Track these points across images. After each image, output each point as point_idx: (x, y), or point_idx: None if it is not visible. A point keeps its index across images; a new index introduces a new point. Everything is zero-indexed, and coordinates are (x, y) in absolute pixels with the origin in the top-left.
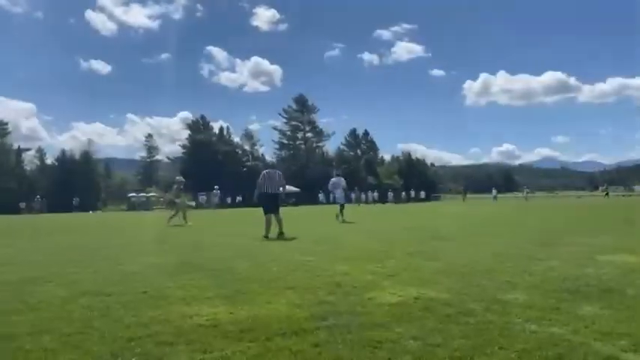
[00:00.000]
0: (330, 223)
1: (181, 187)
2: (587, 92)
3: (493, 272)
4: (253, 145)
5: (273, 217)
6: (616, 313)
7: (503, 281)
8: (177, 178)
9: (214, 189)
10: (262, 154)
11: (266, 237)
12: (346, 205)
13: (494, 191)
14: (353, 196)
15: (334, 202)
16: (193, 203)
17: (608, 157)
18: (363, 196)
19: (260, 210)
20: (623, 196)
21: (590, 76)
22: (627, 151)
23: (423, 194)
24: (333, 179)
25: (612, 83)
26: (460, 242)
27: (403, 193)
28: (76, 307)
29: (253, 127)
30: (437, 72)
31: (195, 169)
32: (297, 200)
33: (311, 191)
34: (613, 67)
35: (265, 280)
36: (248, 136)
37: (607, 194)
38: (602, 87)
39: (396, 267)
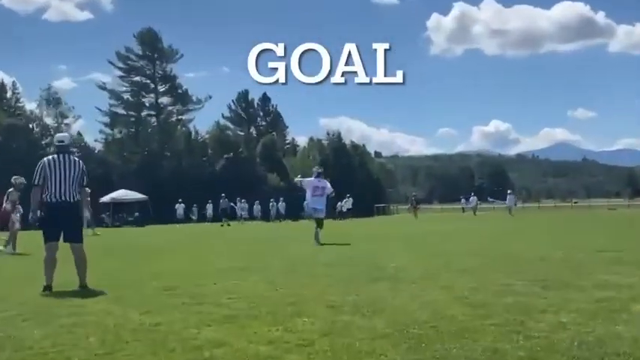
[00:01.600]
0: (196, 255)
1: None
2: (624, 37)
3: (468, 333)
4: (61, 116)
5: (69, 248)
6: None
7: (484, 349)
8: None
9: None
10: (79, 134)
11: (48, 288)
12: (233, 223)
13: (473, 199)
14: (238, 207)
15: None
16: None
17: None
18: (257, 207)
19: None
20: None
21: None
22: None
23: (348, 204)
24: (310, 179)
25: None
26: (417, 284)
27: (339, 204)
28: None
29: (62, 84)
30: None
31: None
32: (142, 216)
33: (167, 202)
34: None
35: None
36: (52, 100)
37: None
38: None
39: (314, 330)
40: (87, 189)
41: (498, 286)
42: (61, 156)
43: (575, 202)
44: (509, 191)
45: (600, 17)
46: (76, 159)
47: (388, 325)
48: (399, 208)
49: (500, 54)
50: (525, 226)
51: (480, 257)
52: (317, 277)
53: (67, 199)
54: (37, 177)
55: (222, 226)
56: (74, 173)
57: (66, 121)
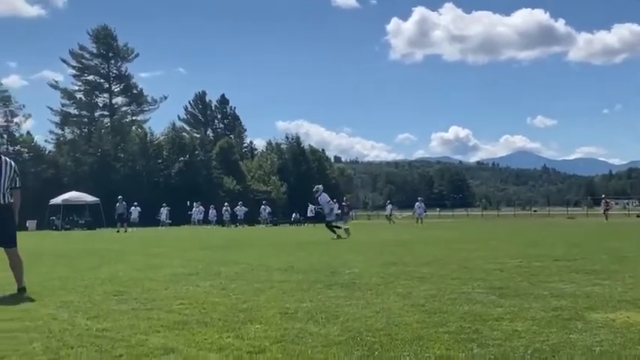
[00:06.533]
0: (148, 259)
1: None
2: (584, 45)
3: (422, 341)
4: (11, 115)
5: (3, 252)
6: None
7: (437, 357)
8: None
9: None
10: (29, 133)
11: None
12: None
13: (389, 207)
14: (195, 212)
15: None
16: None
17: (615, 154)
18: (212, 211)
19: None
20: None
21: (588, 21)
22: None
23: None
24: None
25: (621, 32)
26: (373, 290)
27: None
28: None
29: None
30: (344, 0)
31: None
32: (94, 220)
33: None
34: (620, 11)
35: None
36: (0, 98)
37: (606, 211)
38: (605, 38)
39: (266, 337)
40: (18, 191)
41: (455, 294)
42: None
43: (534, 211)
44: (419, 198)
45: (560, 25)
46: (8, 159)
47: (342, 332)
48: (357, 214)
49: (460, 60)
50: (483, 234)
51: (437, 265)
52: (271, 284)
53: None
54: None
55: (118, 232)
56: (6, 174)
57: (15, 119)
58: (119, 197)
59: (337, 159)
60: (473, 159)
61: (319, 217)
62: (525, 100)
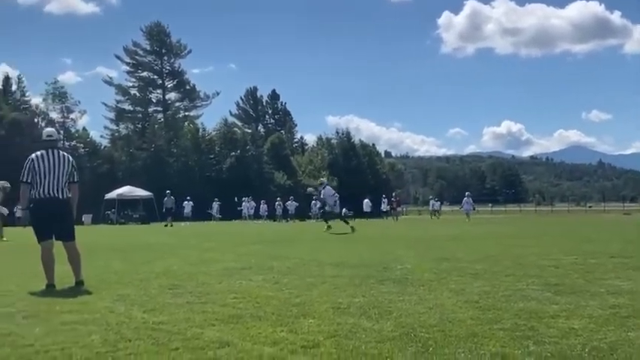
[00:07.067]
0: (201, 253)
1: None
2: None
3: (476, 338)
4: (67, 111)
5: (62, 246)
6: None
7: (492, 354)
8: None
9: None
10: (85, 129)
11: (51, 287)
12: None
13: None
14: (245, 207)
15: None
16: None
17: None
18: (263, 206)
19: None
20: None
21: None
22: None
23: (366, 205)
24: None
25: None
26: (425, 286)
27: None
28: None
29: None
30: None
31: None
32: (147, 214)
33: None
34: None
35: None
36: (57, 95)
37: None
38: None
39: (319, 331)
40: (76, 185)
41: (509, 291)
42: (49, 151)
43: (589, 207)
44: (467, 193)
45: (616, 17)
46: (66, 154)
47: (395, 327)
48: (408, 209)
49: (512, 53)
50: (537, 230)
51: (489, 261)
52: (323, 278)
53: (57, 195)
54: (25, 174)
55: (165, 226)
56: (64, 169)
57: (71, 115)
58: (167, 192)
59: (387, 154)
60: (526, 154)
61: (374, 213)
62: (580, 93)
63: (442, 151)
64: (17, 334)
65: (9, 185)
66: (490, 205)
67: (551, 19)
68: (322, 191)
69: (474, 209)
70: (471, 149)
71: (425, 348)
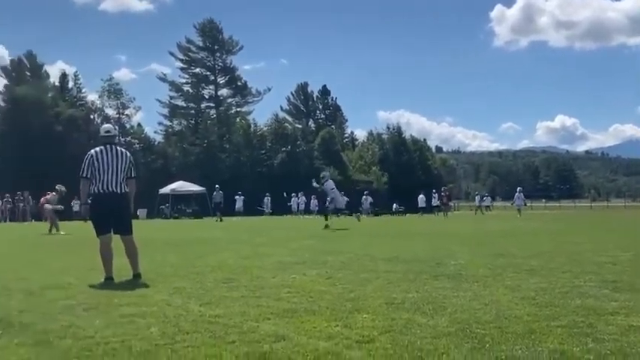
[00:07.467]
0: (254, 248)
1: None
2: None
3: (534, 335)
4: (122, 107)
5: (119, 240)
6: None
7: (550, 351)
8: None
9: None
10: (139, 125)
11: (109, 279)
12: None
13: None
14: (295, 202)
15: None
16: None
17: None
18: (314, 201)
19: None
20: None
21: None
22: None
23: (421, 200)
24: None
25: None
26: (480, 282)
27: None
28: None
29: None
30: None
31: (11, 152)
32: (200, 208)
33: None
34: None
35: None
36: (112, 91)
37: None
38: None
39: (374, 326)
40: (134, 181)
41: (566, 288)
42: (108, 147)
43: None
44: (519, 189)
45: None
46: (123, 150)
47: (450, 323)
48: (461, 205)
49: (567, 46)
50: (592, 226)
51: (545, 257)
52: (377, 273)
53: (115, 190)
54: (85, 169)
55: (216, 221)
56: (122, 164)
57: (126, 112)
58: (216, 186)
59: (438, 149)
60: (580, 148)
61: (427, 209)
62: (636, 87)
63: (494, 146)
64: (78, 326)
65: (64, 189)
66: (544, 200)
67: (607, 11)
68: (325, 184)
69: (525, 204)
70: (524, 144)
71: (481, 344)
